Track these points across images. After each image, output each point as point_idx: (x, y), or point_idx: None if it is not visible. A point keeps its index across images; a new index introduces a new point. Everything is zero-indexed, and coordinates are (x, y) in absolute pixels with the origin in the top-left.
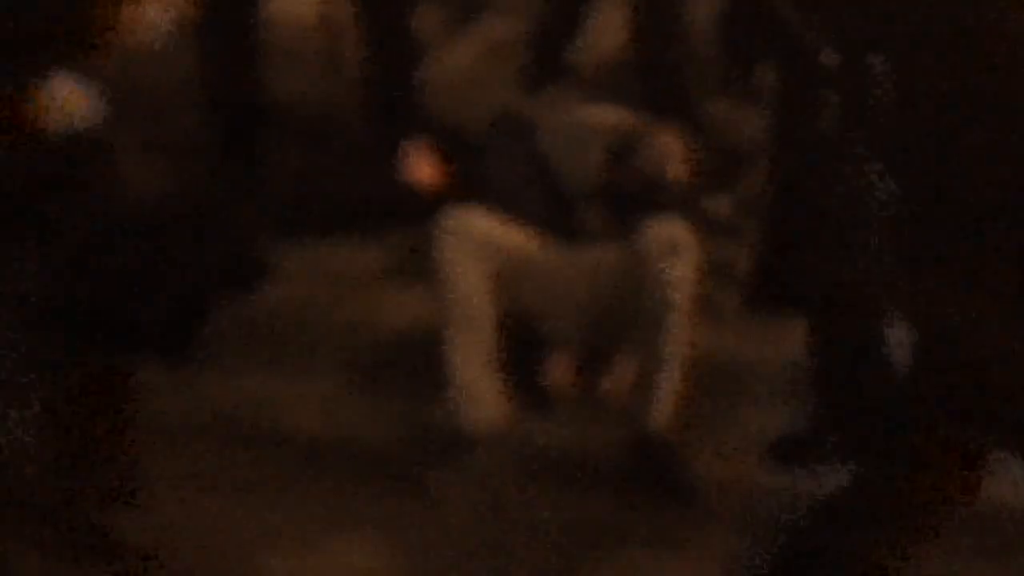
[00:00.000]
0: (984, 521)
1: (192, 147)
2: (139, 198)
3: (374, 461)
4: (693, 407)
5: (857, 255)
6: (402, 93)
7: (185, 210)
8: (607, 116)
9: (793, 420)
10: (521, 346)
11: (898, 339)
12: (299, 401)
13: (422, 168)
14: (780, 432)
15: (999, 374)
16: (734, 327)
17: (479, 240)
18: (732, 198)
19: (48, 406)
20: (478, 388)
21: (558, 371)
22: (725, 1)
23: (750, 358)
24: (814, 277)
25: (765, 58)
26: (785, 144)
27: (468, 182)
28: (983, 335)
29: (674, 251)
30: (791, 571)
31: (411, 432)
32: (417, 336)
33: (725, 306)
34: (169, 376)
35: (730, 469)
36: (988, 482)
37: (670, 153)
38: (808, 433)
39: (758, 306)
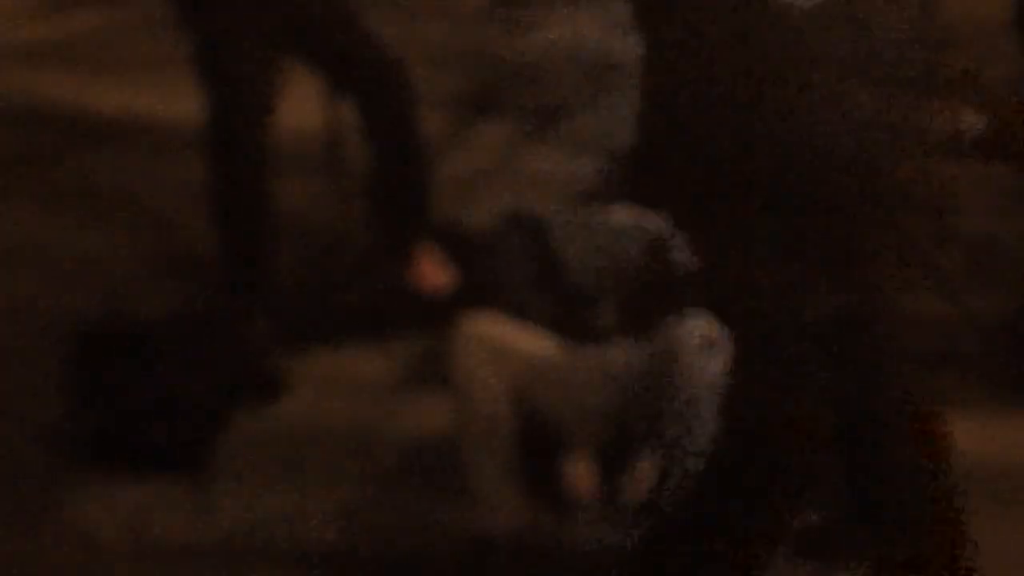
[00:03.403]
0: None
1: (202, 261)
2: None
3: (395, 571)
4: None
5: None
6: (409, 198)
7: (197, 325)
8: (623, 213)
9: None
10: (540, 451)
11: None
12: (318, 513)
13: (431, 273)
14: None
15: None
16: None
17: (496, 345)
18: None
19: None
20: (497, 495)
21: (578, 474)
22: None
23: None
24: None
25: None
26: None
27: (479, 285)
28: None
29: (709, 346)
30: None
31: (432, 541)
32: (435, 443)
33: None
34: (186, 494)
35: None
36: None
37: (688, 249)
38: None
39: None
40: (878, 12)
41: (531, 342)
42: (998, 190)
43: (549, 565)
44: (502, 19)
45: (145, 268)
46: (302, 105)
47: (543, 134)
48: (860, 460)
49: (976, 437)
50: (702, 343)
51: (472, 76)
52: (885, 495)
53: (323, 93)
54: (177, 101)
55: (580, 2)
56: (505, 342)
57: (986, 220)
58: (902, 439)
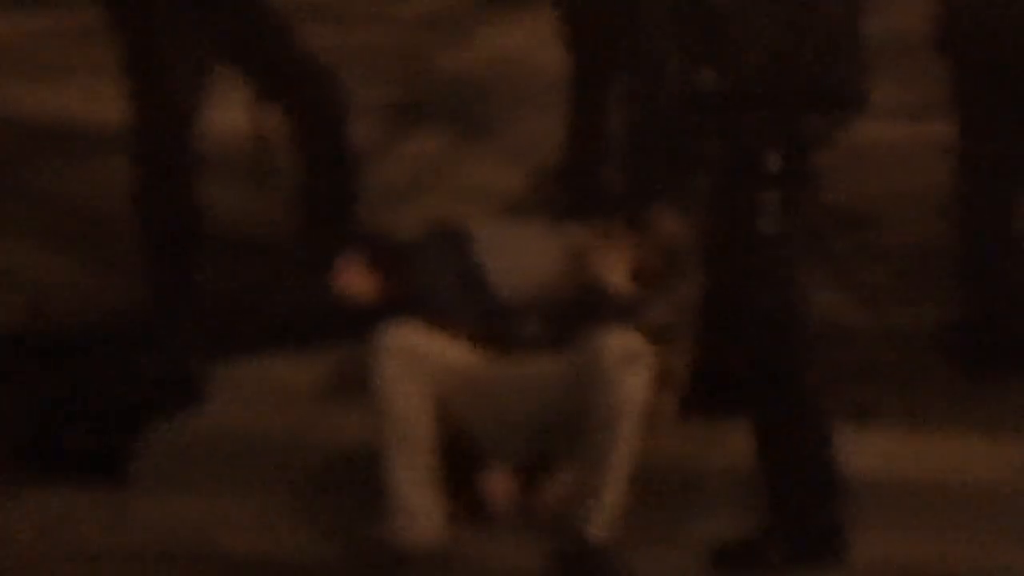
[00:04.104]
0: None
1: (124, 266)
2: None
3: None
4: (634, 516)
5: (798, 357)
6: (336, 206)
7: (117, 331)
8: (545, 227)
9: (738, 527)
10: (460, 461)
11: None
12: (236, 521)
13: (356, 281)
14: (725, 540)
15: None
16: (672, 433)
17: (415, 356)
18: (668, 303)
19: None
20: (416, 505)
21: (497, 485)
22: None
23: (691, 464)
24: (756, 381)
25: (701, 163)
26: (722, 247)
27: (403, 295)
28: None
29: (629, 361)
30: None
31: (350, 551)
32: (355, 453)
33: (662, 412)
34: (103, 500)
35: None
36: None
37: (611, 263)
38: (755, 540)
39: (695, 411)
40: None
41: (453, 353)
42: (921, 204)
43: None
44: (438, 31)
45: (67, 273)
46: (231, 112)
47: (473, 146)
48: (781, 472)
49: (889, 450)
50: (623, 357)
51: (405, 86)
52: (807, 508)
53: (252, 100)
54: (108, 105)
55: (516, 16)
56: (427, 352)
57: (908, 234)
58: (825, 450)
